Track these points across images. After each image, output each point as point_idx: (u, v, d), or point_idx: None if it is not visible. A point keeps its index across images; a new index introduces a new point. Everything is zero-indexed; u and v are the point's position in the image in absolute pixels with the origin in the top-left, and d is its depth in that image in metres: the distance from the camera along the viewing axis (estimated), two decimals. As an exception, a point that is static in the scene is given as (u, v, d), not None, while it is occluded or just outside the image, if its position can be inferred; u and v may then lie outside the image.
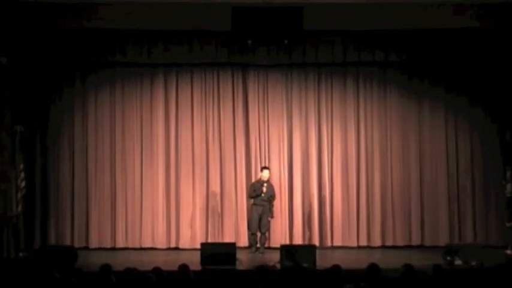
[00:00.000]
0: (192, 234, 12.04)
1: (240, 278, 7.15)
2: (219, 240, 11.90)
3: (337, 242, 12.08)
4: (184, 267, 6.43)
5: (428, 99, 12.28)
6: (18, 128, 11.03)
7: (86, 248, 11.80)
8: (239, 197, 12.10)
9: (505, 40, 11.21)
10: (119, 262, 8.81)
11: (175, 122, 12.23)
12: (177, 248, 11.97)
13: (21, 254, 10.83)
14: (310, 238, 12.08)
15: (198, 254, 9.89)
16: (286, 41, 11.35)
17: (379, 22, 10.75)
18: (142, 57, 11.82)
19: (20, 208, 10.93)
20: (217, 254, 9.73)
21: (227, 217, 12.11)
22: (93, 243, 11.96)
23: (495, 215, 12.02)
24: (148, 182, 12.11)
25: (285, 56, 11.84)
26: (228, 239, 11.80)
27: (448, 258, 9.94)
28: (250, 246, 11.45)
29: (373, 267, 6.29)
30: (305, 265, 9.38)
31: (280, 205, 11.90)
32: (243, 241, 11.80)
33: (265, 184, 11.27)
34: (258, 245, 11.29)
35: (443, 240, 11.65)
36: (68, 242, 11.82)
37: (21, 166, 10.99)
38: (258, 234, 11.32)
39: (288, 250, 9.90)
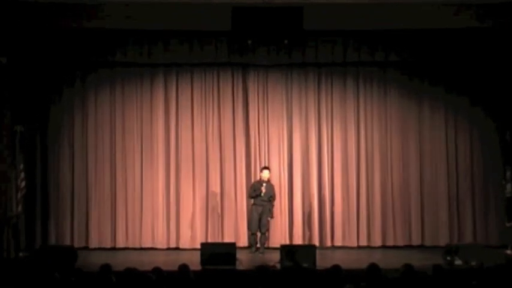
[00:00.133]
0: (192, 234, 12.04)
1: (240, 278, 7.15)
2: (219, 240, 11.90)
3: (337, 242, 12.08)
4: (184, 267, 6.43)
5: (428, 99, 12.28)
6: (18, 128, 11.03)
7: (86, 248, 11.80)
8: (239, 197, 12.10)
9: (505, 40, 11.21)
10: (119, 262, 8.80)
11: (175, 122, 12.23)
12: (177, 248, 11.97)
13: (21, 254, 10.83)
14: (310, 238, 12.08)
15: (198, 254, 9.89)
16: (286, 41, 11.35)
17: (379, 22, 10.74)
18: (142, 57, 11.82)
19: (20, 208, 10.92)
20: (217, 254, 9.73)
21: (227, 217, 12.11)
22: (93, 243, 11.96)
23: (495, 215, 12.01)
24: (148, 182, 12.11)
25: (285, 56, 11.84)
26: (228, 239, 11.80)
27: (448, 258, 9.95)
28: (250, 246, 11.45)
29: (373, 267, 6.30)
30: (305, 265, 9.40)
31: (280, 205, 11.90)
32: (243, 241, 11.80)
33: (264, 184, 11.27)
34: (258, 245, 11.29)
35: (443, 240, 11.66)
36: (68, 242, 11.82)
37: (21, 166, 10.98)
38: (258, 234, 11.31)
39: (288, 250, 9.89)
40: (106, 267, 6.47)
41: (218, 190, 12.16)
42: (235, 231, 12.01)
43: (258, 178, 11.58)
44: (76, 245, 11.50)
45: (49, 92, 12.07)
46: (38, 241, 11.82)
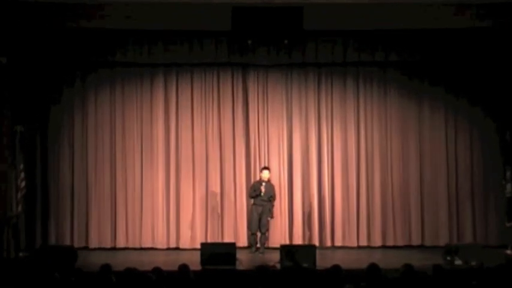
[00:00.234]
0: (192, 234, 12.04)
1: (240, 278, 7.16)
2: (219, 240, 11.89)
3: (337, 242, 12.08)
4: (184, 267, 6.43)
5: (428, 99, 12.28)
6: (18, 128, 11.03)
7: (86, 248, 11.80)
8: (239, 197, 12.10)
9: (505, 40, 11.21)
10: (119, 262, 8.81)
11: (175, 122, 12.23)
12: (177, 248, 11.97)
13: (21, 254, 10.82)
14: (310, 238, 12.08)
15: (198, 254, 9.89)
16: (286, 41, 11.36)
17: (379, 22, 10.74)
18: (142, 57, 11.82)
19: (20, 208, 10.92)
20: (217, 254, 9.73)
21: (227, 217, 12.11)
22: (93, 243, 11.96)
23: (495, 215, 12.01)
24: (148, 182, 12.11)
25: (285, 56, 11.84)
26: (228, 239, 11.80)
27: (448, 258, 9.95)
28: (250, 246, 11.45)
29: (373, 267, 6.29)
30: (305, 265, 9.40)
31: (280, 205, 11.90)
32: (243, 241, 11.80)
33: (263, 184, 11.27)
34: (258, 245, 11.29)
35: (443, 240, 11.66)
36: (68, 242, 11.81)
37: (21, 166, 10.98)
38: (258, 234, 11.31)
39: (288, 250, 9.89)
40: (106, 267, 6.47)
41: (218, 190, 12.16)
42: (235, 231, 12.01)
43: (258, 178, 11.58)
44: (76, 245, 11.50)
45: (49, 92, 12.06)
46: (38, 241, 11.83)
